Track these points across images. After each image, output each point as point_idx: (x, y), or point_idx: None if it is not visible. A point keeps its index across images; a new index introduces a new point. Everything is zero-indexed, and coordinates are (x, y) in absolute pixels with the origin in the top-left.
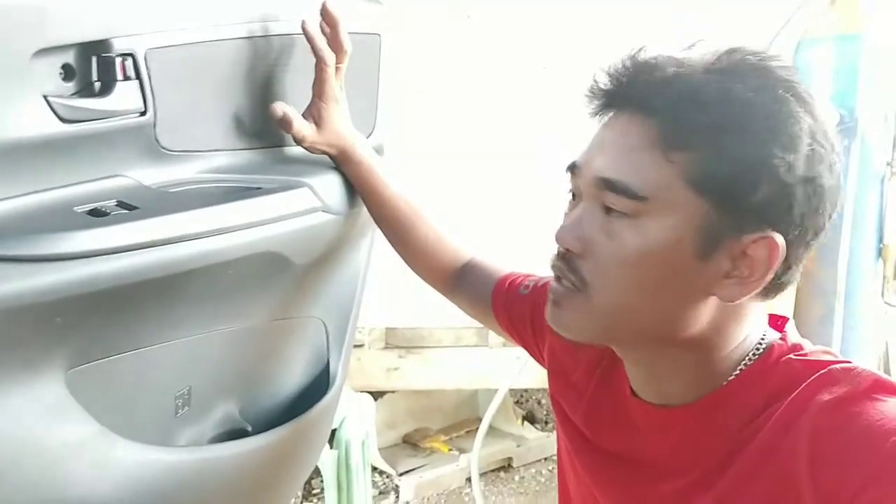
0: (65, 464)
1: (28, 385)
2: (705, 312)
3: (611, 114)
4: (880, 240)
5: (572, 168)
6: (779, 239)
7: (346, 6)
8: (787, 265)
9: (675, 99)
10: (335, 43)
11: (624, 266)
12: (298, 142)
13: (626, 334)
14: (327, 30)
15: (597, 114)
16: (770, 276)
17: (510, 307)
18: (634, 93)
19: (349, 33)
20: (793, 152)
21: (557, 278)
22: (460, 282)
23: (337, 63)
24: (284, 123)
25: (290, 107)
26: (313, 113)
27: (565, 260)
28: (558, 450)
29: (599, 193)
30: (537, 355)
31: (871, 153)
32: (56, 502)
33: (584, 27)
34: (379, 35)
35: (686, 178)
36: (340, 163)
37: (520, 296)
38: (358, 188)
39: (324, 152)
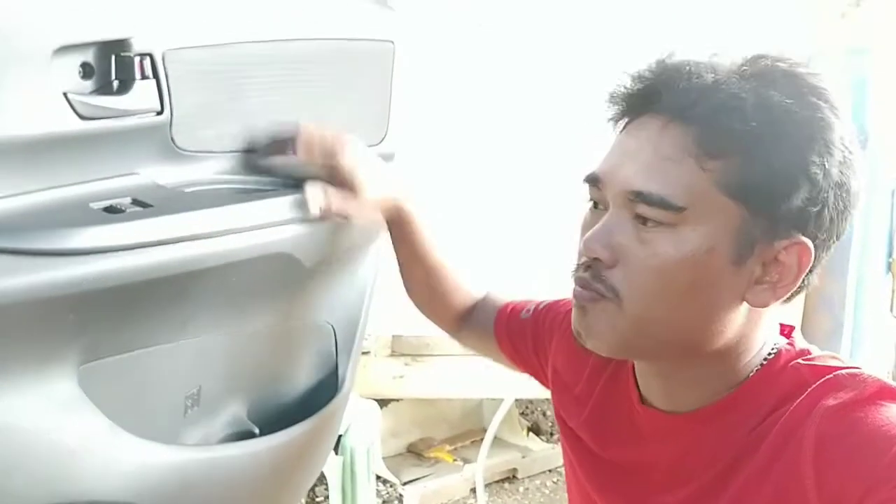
0: (74, 459)
1: (40, 379)
2: (734, 320)
3: (636, 119)
4: (890, 254)
5: (593, 180)
6: (809, 244)
7: (356, 12)
8: (811, 268)
9: (716, 107)
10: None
11: (659, 275)
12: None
13: (655, 344)
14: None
15: (619, 118)
16: (800, 281)
17: (512, 333)
18: (671, 99)
19: (361, 40)
20: (828, 159)
21: (582, 287)
22: (465, 321)
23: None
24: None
25: (326, 189)
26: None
27: (592, 270)
28: (564, 463)
29: (631, 204)
30: (542, 378)
31: (881, 167)
32: (65, 496)
33: (592, 36)
34: (392, 42)
35: (721, 186)
36: (393, 225)
37: (521, 321)
38: (397, 248)
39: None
